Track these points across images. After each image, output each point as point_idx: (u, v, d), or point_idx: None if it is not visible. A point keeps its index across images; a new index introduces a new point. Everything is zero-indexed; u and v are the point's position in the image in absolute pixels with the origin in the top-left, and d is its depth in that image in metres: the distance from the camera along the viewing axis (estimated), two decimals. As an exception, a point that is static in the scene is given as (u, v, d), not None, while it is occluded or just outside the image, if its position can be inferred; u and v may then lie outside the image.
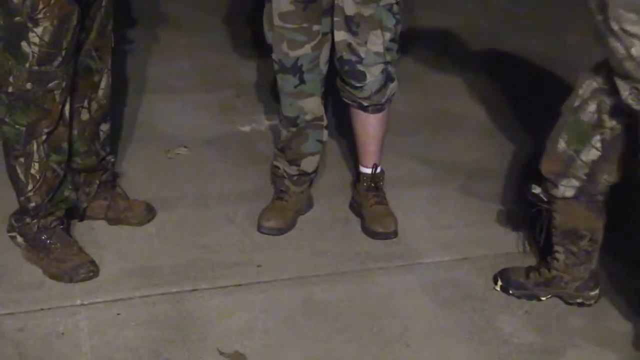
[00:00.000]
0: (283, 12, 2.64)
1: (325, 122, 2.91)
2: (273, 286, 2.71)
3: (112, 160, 2.95)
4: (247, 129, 3.60)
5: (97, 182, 2.90)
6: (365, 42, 2.71)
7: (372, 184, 3.01)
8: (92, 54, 2.66)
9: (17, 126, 2.55)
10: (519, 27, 4.79)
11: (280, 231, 2.92)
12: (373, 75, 2.76)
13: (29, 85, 2.50)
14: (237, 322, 2.56)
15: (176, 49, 4.27)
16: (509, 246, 2.94)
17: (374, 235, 2.94)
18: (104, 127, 2.84)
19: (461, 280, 2.78)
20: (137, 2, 4.62)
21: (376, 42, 2.72)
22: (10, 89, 2.50)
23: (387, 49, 2.74)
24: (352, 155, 3.24)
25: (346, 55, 2.74)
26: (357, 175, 3.07)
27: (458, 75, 4.18)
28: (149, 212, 2.98)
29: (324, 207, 3.10)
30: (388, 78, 2.80)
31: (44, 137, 2.59)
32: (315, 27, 2.68)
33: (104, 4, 2.62)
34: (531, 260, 2.84)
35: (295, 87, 2.75)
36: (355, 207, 3.04)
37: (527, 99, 3.94)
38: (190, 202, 3.12)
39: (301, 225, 2.98)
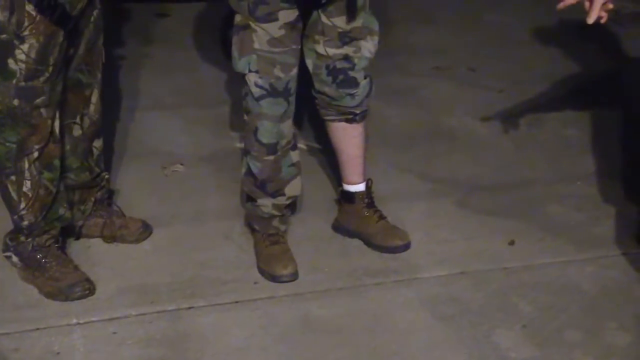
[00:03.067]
0: (274, 38, 2.60)
1: (295, 143, 2.85)
2: (270, 303, 2.70)
3: (107, 177, 2.95)
4: (243, 145, 3.58)
5: (93, 199, 2.89)
6: (360, 49, 2.72)
7: (369, 200, 2.99)
8: (82, 67, 2.66)
9: (7, 143, 2.55)
10: (514, 40, 4.79)
11: (297, 275, 2.82)
12: (362, 80, 2.77)
13: (15, 102, 2.49)
14: (234, 339, 2.54)
15: (172, 65, 4.27)
16: (507, 260, 2.93)
17: (393, 249, 2.92)
18: (97, 144, 2.83)
19: (459, 295, 2.76)
20: (131, 18, 4.64)
21: (369, 47, 2.73)
22: None
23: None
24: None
25: (340, 64, 2.72)
26: (346, 195, 3.01)
27: (455, 89, 4.18)
28: (145, 230, 2.97)
29: (319, 224, 3.08)
30: (370, 80, 2.81)
31: (35, 154, 2.58)
32: (298, 48, 2.68)
33: (92, 19, 2.62)
34: (532, 276, 2.82)
35: (285, 110, 2.70)
36: (351, 228, 3.00)
37: (525, 113, 3.94)
38: (187, 219, 3.11)
39: (297, 242, 2.96)
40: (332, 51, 2.70)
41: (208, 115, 3.83)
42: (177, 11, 4.94)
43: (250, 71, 2.65)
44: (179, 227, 3.05)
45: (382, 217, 2.99)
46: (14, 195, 2.62)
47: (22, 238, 2.69)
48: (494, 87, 4.21)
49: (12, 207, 2.65)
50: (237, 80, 4.05)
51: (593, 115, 3.94)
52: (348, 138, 2.92)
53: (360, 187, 2.99)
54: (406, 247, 2.94)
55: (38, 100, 2.51)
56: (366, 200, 2.99)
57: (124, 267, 2.82)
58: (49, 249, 2.71)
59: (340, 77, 2.74)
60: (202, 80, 4.15)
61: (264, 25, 2.59)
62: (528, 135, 3.77)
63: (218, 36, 4.52)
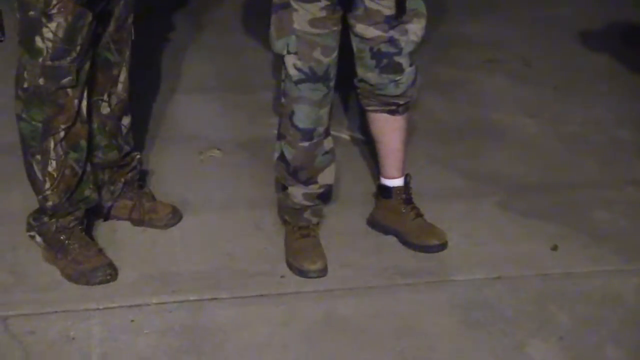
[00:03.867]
0: (316, 18, 2.50)
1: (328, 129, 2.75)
2: (295, 298, 2.61)
3: (138, 156, 2.88)
4: (278, 129, 3.48)
5: (123, 180, 2.83)
6: (406, 32, 2.59)
7: (406, 196, 2.88)
8: (111, 46, 2.59)
9: (33, 122, 2.50)
10: (573, 35, 4.61)
11: (327, 271, 2.72)
12: (407, 67, 2.64)
13: (41, 81, 2.44)
14: (255, 335, 2.46)
15: (217, 48, 4.20)
16: (547, 267, 2.79)
17: (429, 248, 2.81)
18: (126, 121, 2.77)
19: (493, 301, 2.63)
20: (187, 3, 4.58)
21: (416, 31, 2.60)
22: (25, 85, 2.46)
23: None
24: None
25: (384, 47, 2.60)
26: (384, 190, 2.90)
27: (507, 84, 4.03)
28: (175, 216, 2.90)
29: (353, 217, 2.97)
30: (416, 69, 2.69)
31: (61, 134, 2.52)
32: (339, 30, 2.57)
33: None
34: (572, 284, 2.68)
35: (324, 95, 2.60)
36: (387, 224, 2.89)
37: (577, 112, 3.78)
38: (218, 206, 3.03)
39: (328, 236, 2.85)
40: (376, 33, 2.57)
41: (249, 101, 3.75)
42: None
43: (289, 52, 2.55)
44: (210, 214, 2.98)
45: (419, 214, 2.87)
46: (39, 174, 2.57)
47: (46, 219, 2.64)
48: (548, 84, 4.05)
49: (36, 187, 2.60)
50: (276, 67, 4.03)
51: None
52: (389, 130, 2.80)
53: (398, 182, 2.87)
54: (442, 247, 2.82)
55: (64, 81, 2.45)
56: (404, 196, 2.87)
57: (149, 253, 2.76)
58: (73, 231, 2.66)
59: (385, 61, 2.62)
60: (247, 64, 4.06)
61: (306, 5, 2.49)
62: (579, 135, 3.61)
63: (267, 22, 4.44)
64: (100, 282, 2.60)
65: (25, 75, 2.44)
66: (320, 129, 2.65)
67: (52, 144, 2.52)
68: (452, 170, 3.32)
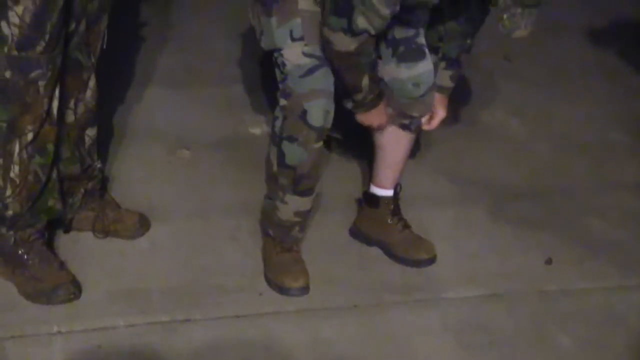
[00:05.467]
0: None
1: None
2: (275, 319, 2.42)
3: (99, 167, 2.64)
4: (257, 131, 3.26)
5: (82, 191, 2.59)
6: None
7: (394, 207, 2.69)
8: (82, 47, 2.37)
9: None
10: (559, 29, 4.45)
11: (309, 289, 2.52)
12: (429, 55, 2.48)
13: (7, 74, 2.21)
14: (232, 360, 2.26)
15: (184, 38, 3.94)
16: (543, 282, 2.63)
17: (417, 263, 2.63)
18: (90, 132, 2.53)
19: (488, 321, 2.48)
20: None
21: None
22: None
23: None
24: (363, 167, 2.92)
25: (399, 33, 2.42)
26: (371, 198, 2.71)
27: (490, 81, 3.85)
28: (142, 225, 2.68)
29: (335, 227, 2.78)
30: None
31: (29, 136, 2.29)
32: None
33: None
34: (570, 303, 2.52)
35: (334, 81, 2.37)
36: (371, 234, 2.71)
37: (566, 111, 3.61)
38: (190, 213, 2.81)
39: (310, 248, 2.65)
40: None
41: (219, 95, 3.49)
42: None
43: (293, 40, 2.32)
44: (181, 223, 2.75)
45: (406, 226, 2.69)
46: None
47: (4, 230, 2.41)
48: (531, 80, 3.88)
49: None
50: (253, 57, 3.80)
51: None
52: (396, 143, 2.62)
53: (388, 192, 2.69)
54: (431, 261, 2.65)
55: (34, 74, 2.22)
56: (392, 206, 2.69)
57: (115, 268, 2.53)
58: (33, 245, 2.43)
59: (401, 47, 2.43)
60: (219, 55, 3.81)
61: None
62: (567, 135, 3.46)
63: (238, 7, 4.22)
64: (63, 302, 2.37)
65: None
66: (328, 124, 2.41)
67: (17, 147, 2.29)
68: (437, 173, 3.13)
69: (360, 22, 2.18)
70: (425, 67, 2.48)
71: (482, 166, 3.21)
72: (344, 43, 2.23)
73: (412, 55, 2.45)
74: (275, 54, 2.37)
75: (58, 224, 2.59)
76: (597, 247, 2.81)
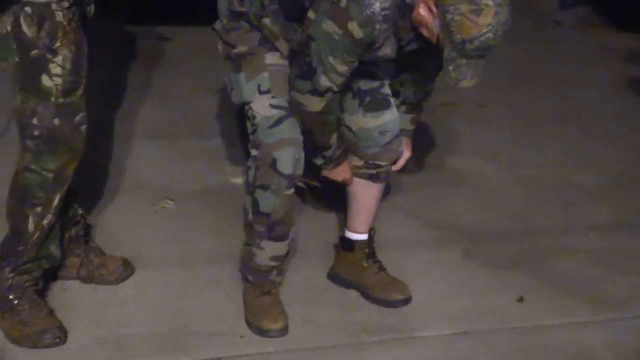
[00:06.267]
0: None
1: None
2: (256, 360, 2.49)
3: (81, 212, 2.72)
4: (239, 181, 3.37)
5: (67, 236, 2.67)
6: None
7: (369, 250, 2.79)
8: None
9: (44, 172, 2.35)
10: (527, 77, 4.61)
11: (287, 330, 2.58)
12: (394, 104, 2.61)
13: (56, 122, 2.31)
14: (215, 402, 2.33)
15: (168, 92, 4.07)
16: (515, 319, 2.71)
17: (393, 304, 2.71)
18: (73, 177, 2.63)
19: (463, 357, 2.55)
20: (131, 41, 4.45)
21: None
22: (36, 132, 2.31)
23: None
24: (339, 213, 3.02)
25: (365, 85, 2.55)
26: (346, 243, 2.81)
27: (463, 127, 3.98)
28: (126, 269, 2.76)
29: (313, 270, 2.87)
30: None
31: (69, 182, 2.40)
32: None
33: None
34: (543, 338, 2.61)
35: (302, 131, 2.49)
36: (348, 278, 2.79)
37: (536, 155, 3.75)
38: (173, 261, 2.89)
39: (289, 291, 2.74)
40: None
41: (203, 148, 3.62)
42: (178, 35, 4.77)
43: (261, 93, 2.44)
44: (165, 270, 2.84)
45: (382, 268, 2.78)
46: (30, 227, 2.40)
47: (7, 272, 2.45)
48: (505, 126, 4.02)
49: (22, 239, 2.43)
50: (233, 111, 3.93)
51: (609, 160, 3.75)
52: (366, 188, 2.73)
53: (363, 237, 2.79)
54: (406, 301, 2.73)
55: (78, 118, 2.34)
56: (367, 250, 2.78)
57: (101, 314, 2.60)
58: (25, 291, 2.48)
59: (367, 98, 2.57)
60: (199, 109, 3.94)
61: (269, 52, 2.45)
62: (538, 178, 3.58)
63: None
64: (48, 346, 2.43)
65: (35, 121, 2.30)
66: (298, 171, 2.51)
67: (57, 198, 2.39)
68: (413, 218, 3.24)
69: (323, 81, 2.32)
70: (390, 116, 2.61)
71: (456, 210, 3.32)
72: (313, 103, 2.37)
73: (377, 105, 2.58)
74: (246, 107, 2.49)
75: (47, 272, 2.66)
76: (567, 284, 2.90)
